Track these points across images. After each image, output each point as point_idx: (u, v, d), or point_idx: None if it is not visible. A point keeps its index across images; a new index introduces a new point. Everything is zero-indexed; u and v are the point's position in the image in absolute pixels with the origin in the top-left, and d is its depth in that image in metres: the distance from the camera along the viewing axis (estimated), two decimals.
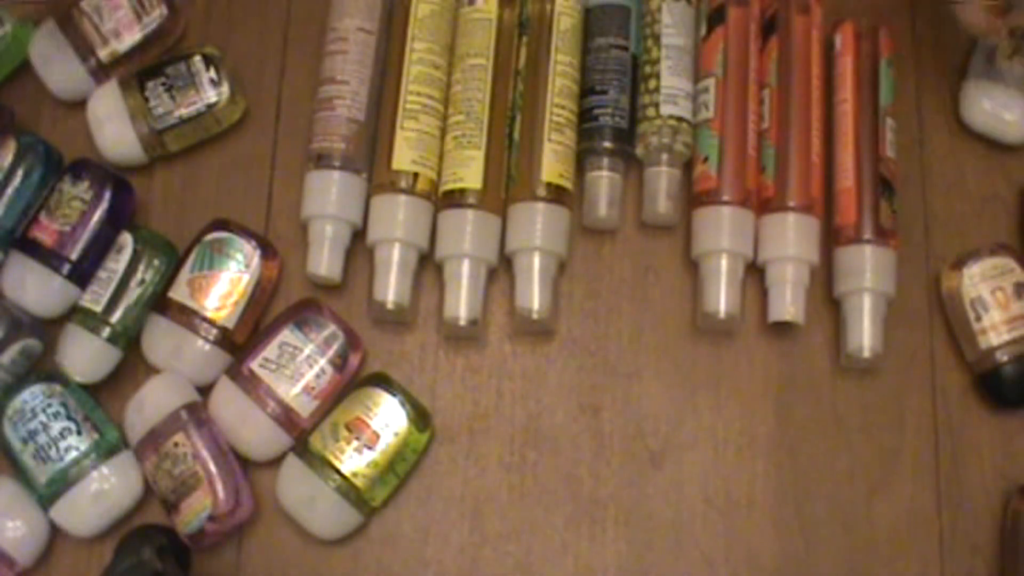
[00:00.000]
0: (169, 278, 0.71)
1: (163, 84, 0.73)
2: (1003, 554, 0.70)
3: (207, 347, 0.70)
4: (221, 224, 0.72)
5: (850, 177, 0.72)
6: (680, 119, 0.73)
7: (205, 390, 0.71)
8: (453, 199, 0.72)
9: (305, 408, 0.69)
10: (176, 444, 0.67)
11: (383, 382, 0.70)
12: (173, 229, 0.74)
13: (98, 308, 0.70)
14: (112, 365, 0.71)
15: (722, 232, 0.71)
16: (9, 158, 0.71)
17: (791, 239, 0.71)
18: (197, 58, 0.74)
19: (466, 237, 0.71)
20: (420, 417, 0.69)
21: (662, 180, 0.73)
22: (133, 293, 0.71)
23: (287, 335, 0.70)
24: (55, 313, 0.71)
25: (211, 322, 0.70)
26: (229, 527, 0.67)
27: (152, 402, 0.69)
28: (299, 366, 0.69)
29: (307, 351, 0.70)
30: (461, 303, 0.70)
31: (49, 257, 0.70)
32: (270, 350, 0.70)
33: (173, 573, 0.65)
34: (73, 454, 0.68)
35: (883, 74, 0.74)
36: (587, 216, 0.74)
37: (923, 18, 0.80)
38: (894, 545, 0.70)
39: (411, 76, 0.73)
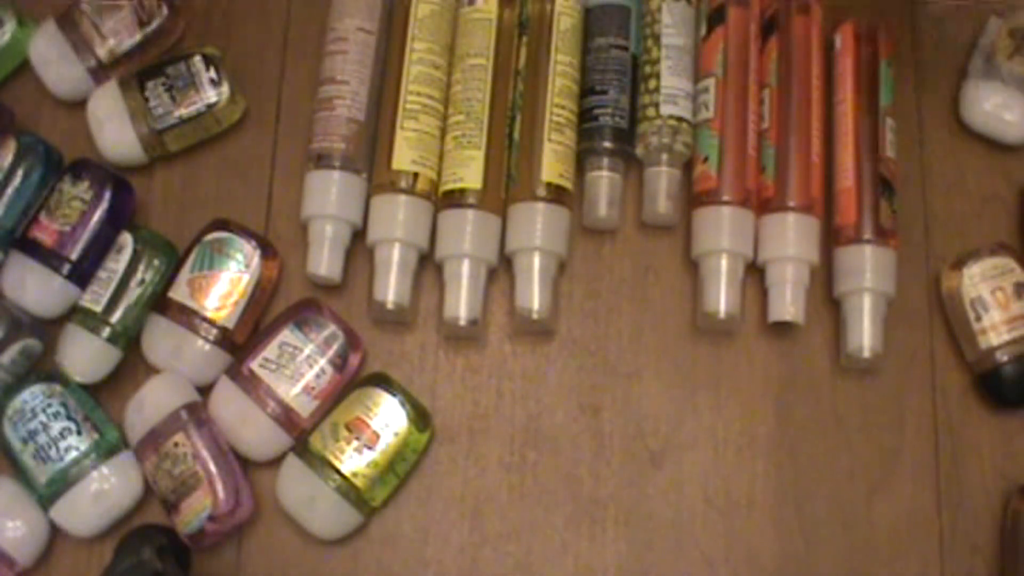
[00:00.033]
0: (169, 278, 0.71)
1: (163, 84, 0.73)
2: (1003, 554, 0.70)
3: (207, 347, 0.70)
4: (221, 224, 0.72)
5: (850, 177, 0.72)
6: (680, 119, 0.73)
7: (205, 390, 0.71)
8: (453, 199, 0.72)
9: (305, 408, 0.69)
10: (176, 444, 0.67)
11: (383, 382, 0.70)
12: (173, 229, 0.74)
13: (98, 308, 0.70)
14: (112, 365, 0.71)
15: (722, 232, 0.71)
16: (9, 158, 0.71)
17: (791, 239, 0.71)
18: (197, 58, 0.74)
19: (466, 237, 0.71)
20: (420, 417, 0.69)
21: (662, 180, 0.73)
22: (133, 293, 0.71)
23: (287, 335, 0.70)
24: (55, 313, 0.71)
25: (211, 322, 0.70)
26: (229, 527, 0.67)
27: (152, 402, 0.69)
28: (299, 366, 0.69)
29: (307, 351, 0.70)
30: (461, 303, 0.70)
31: (49, 257, 0.70)
32: (270, 350, 0.70)
33: (173, 573, 0.65)
34: (73, 454, 0.68)
35: (883, 74, 0.74)
36: (587, 216, 0.74)
37: (923, 18, 0.79)
38: (894, 545, 0.70)
39: (411, 76, 0.73)
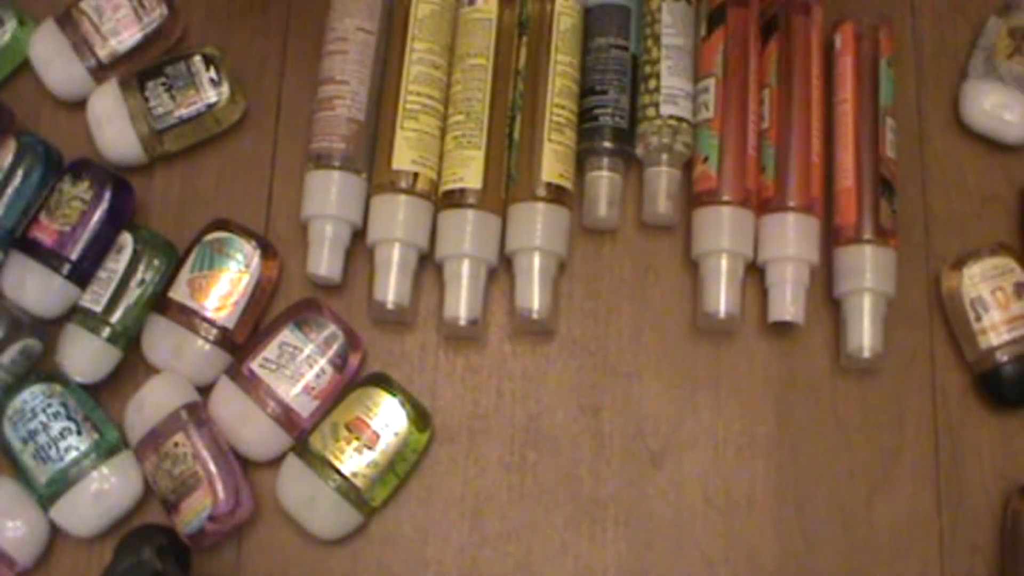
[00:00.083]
0: (169, 278, 0.71)
1: (163, 84, 0.73)
2: (1003, 554, 0.70)
3: (207, 347, 0.70)
4: (221, 224, 0.72)
5: (850, 177, 0.72)
6: (680, 119, 0.73)
7: (205, 390, 0.71)
8: (453, 199, 0.72)
9: (305, 408, 0.69)
10: (176, 444, 0.67)
11: (383, 382, 0.70)
12: (173, 229, 0.74)
13: (98, 308, 0.70)
14: (112, 365, 0.71)
15: (722, 232, 0.71)
16: (9, 158, 0.71)
17: (791, 239, 0.71)
18: (197, 58, 0.74)
19: (466, 237, 0.71)
20: (420, 417, 0.69)
21: (662, 180, 0.73)
22: (133, 293, 0.71)
23: (287, 335, 0.70)
24: (55, 313, 0.71)
25: (211, 322, 0.70)
26: (229, 527, 0.67)
27: (152, 402, 0.69)
28: (299, 366, 0.69)
29: (307, 351, 0.70)
30: (461, 303, 0.70)
31: (49, 257, 0.70)
32: (270, 350, 0.70)
33: (173, 573, 0.65)
34: (73, 454, 0.68)
35: (883, 74, 0.74)
36: (587, 216, 0.74)
37: (923, 18, 0.79)
38: (894, 545, 0.70)
39: (411, 76, 0.73)
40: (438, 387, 0.72)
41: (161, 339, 0.70)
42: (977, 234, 0.75)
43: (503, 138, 0.73)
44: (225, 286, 0.70)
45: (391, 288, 0.70)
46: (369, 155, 0.73)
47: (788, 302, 0.71)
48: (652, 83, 0.73)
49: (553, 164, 0.72)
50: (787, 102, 0.73)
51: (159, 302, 0.71)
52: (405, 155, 0.72)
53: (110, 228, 0.71)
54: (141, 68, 0.74)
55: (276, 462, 0.70)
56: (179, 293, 0.70)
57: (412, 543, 0.70)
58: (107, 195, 0.71)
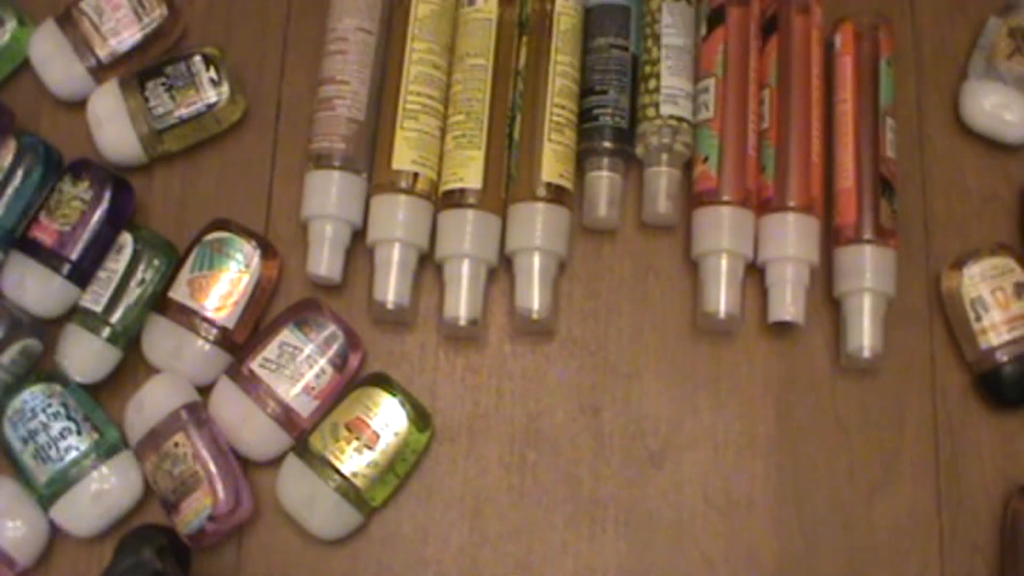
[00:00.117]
0: (169, 278, 0.71)
1: (163, 84, 0.73)
2: (1003, 554, 0.70)
3: (207, 347, 0.70)
4: (221, 224, 0.72)
5: (850, 177, 0.72)
6: (680, 119, 0.73)
7: (205, 390, 0.71)
8: (453, 199, 0.72)
9: (305, 408, 0.69)
10: (176, 444, 0.67)
11: (383, 382, 0.70)
12: (173, 229, 0.74)
13: (98, 308, 0.70)
14: (112, 365, 0.71)
15: (722, 232, 0.71)
16: (9, 158, 0.71)
17: (791, 239, 0.71)
18: (197, 58, 0.74)
19: (466, 237, 0.71)
20: (420, 417, 0.69)
21: (662, 180, 0.73)
22: (133, 293, 0.71)
23: (287, 335, 0.70)
24: (55, 313, 0.71)
25: (211, 322, 0.70)
26: (229, 527, 0.67)
27: (152, 402, 0.69)
28: (299, 366, 0.69)
29: (307, 351, 0.70)
30: (461, 303, 0.70)
31: (49, 257, 0.70)
32: (270, 350, 0.70)
33: (173, 573, 0.65)
34: (73, 454, 0.68)
35: (883, 74, 0.74)
36: (587, 216, 0.74)
37: (923, 18, 0.79)
38: (894, 545, 0.70)
39: (411, 76, 0.73)
40: (438, 387, 0.72)
41: (161, 339, 0.70)
42: (977, 234, 0.75)
43: (503, 138, 0.73)
44: (225, 286, 0.70)
45: (391, 288, 0.70)
46: (369, 155, 0.73)
47: (788, 302, 0.71)
48: (652, 83, 0.73)
49: (553, 164, 0.72)
50: (787, 102, 0.73)
51: (159, 302, 0.71)
52: (405, 155, 0.72)
53: (110, 228, 0.71)
54: (141, 68, 0.74)
55: (276, 462, 0.70)
56: (179, 293, 0.70)
57: (412, 543, 0.70)
58: (107, 195, 0.71)
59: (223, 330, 0.70)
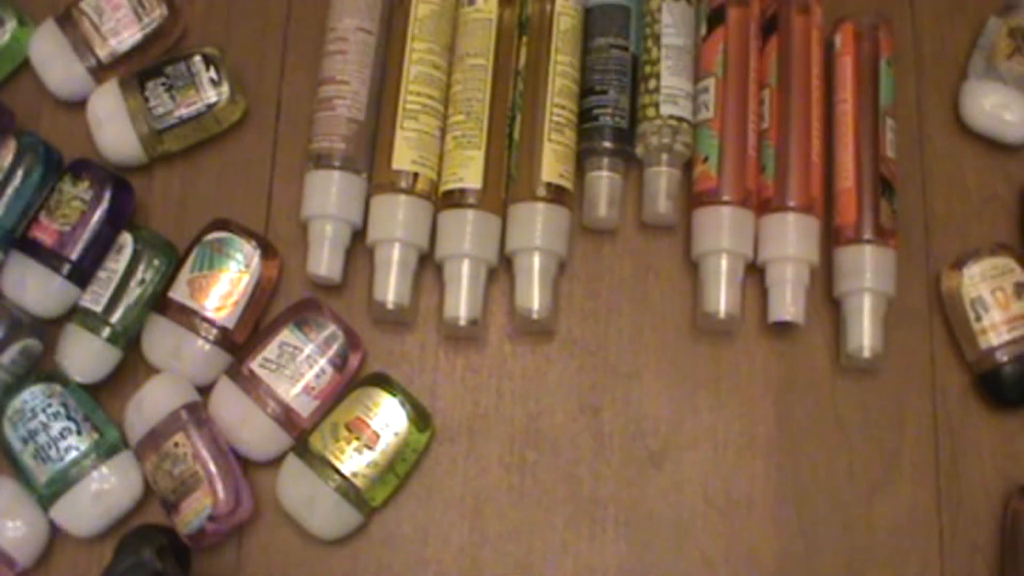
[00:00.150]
0: (169, 278, 0.71)
1: (163, 84, 0.73)
2: (1003, 554, 0.70)
3: (207, 347, 0.70)
4: (221, 224, 0.72)
5: (850, 177, 0.72)
6: (680, 119, 0.73)
7: (205, 390, 0.71)
8: (453, 199, 0.72)
9: (305, 408, 0.69)
10: (176, 444, 0.67)
11: (383, 382, 0.70)
12: (173, 229, 0.74)
13: (98, 308, 0.70)
14: (112, 365, 0.71)
15: (722, 232, 0.71)
16: (9, 158, 0.71)
17: (791, 239, 0.71)
18: (197, 58, 0.74)
19: (466, 237, 0.71)
20: (420, 417, 0.69)
21: (662, 180, 0.73)
22: (133, 293, 0.71)
23: (287, 335, 0.70)
24: (55, 313, 0.71)
25: (211, 322, 0.70)
26: (229, 527, 0.67)
27: (152, 402, 0.69)
28: (299, 366, 0.69)
29: (307, 351, 0.70)
30: (461, 303, 0.70)
31: (49, 257, 0.70)
32: (270, 350, 0.70)
33: (173, 573, 0.65)
34: (73, 454, 0.68)
35: (883, 74, 0.74)
36: (587, 216, 0.74)
37: (923, 18, 0.79)
38: (894, 545, 0.70)
39: (411, 76, 0.73)
40: (438, 387, 0.72)
41: (161, 339, 0.70)
42: (977, 234, 0.75)
43: (503, 138, 0.73)
44: (225, 286, 0.70)
45: (391, 288, 0.70)
46: (369, 155, 0.73)
47: (788, 302, 0.71)
48: (652, 83, 0.73)
49: (553, 164, 0.72)
50: (787, 102, 0.73)
51: (159, 302, 0.71)
52: (405, 155, 0.72)
53: (110, 228, 0.71)
54: (141, 68, 0.74)
55: (276, 462, 0.70)
56: (179, 293, 0.70)
57: (412, 543, 0.70)
58: (107, 195, 0.71)
59: (223, 330, 0.70)
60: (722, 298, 0.70)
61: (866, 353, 0.71)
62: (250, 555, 0.70)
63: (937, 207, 0.76)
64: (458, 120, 0.73)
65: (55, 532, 0.69)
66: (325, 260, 0.71)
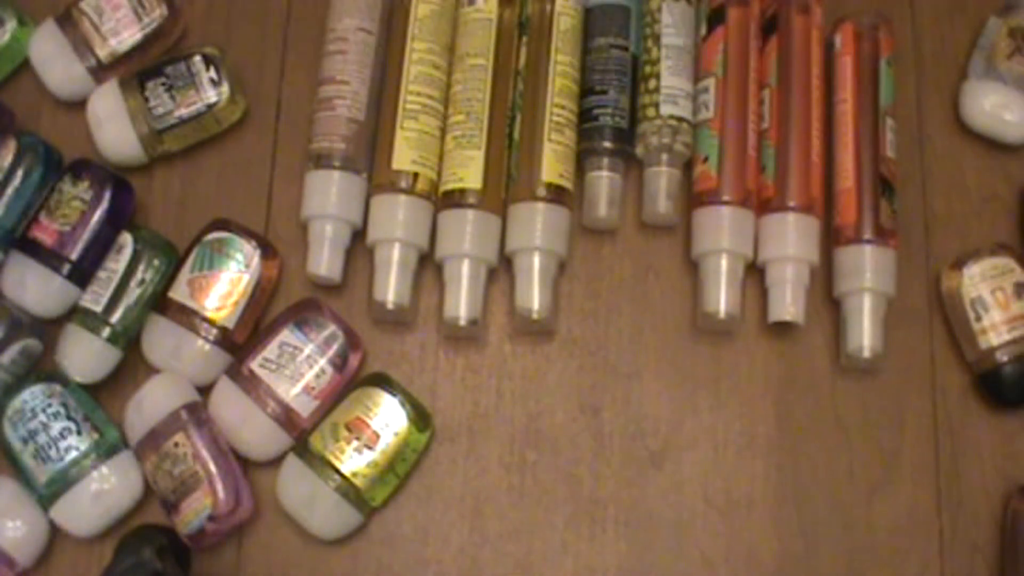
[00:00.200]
0: (169, 278, 0.71)
1: (163, 84, 0.73)
2: (1003, 554, 0.70)
3: (207, 347, 0.70)
4: (221, 224, 0.72)
5: (850, 177, 0.72)
6: (680, 119, 0.73)
7: (205, 390, 0.71)
8: (453, 199, 0.72)
9: (305, 408, 0.69)
10: (176, 444, 0.67)
11: (383, 382, 0.70)
12: (173, 229, 0.74)
13: (98, 308, 0.70)
14: (112, 365, 0.71)
15: (722, 232, 0.71)
16: (9, 158, 0.71)
17: (791, 239, 0.71)
18: (197, 58, 0.74)
19: (466, 237, 0.71)
20: (420, 417, 0.69)
21: (662, 180, 0.73)
22: (133, 293, 0.71)
23: (287, 335, 0.70)
24: (55, 313, 0.71)
25: (211, 322, 0.70)
26: (229, 527, 0.67)
27: (152, 402, 0.69)
28: (299, 366, 0.69)
29: (307, 351, 0.70)
30: (461, 303, 0.70)
31: (49, 257, 0.70)
32: (270, 350, 0.70)
33: (173, 573, 0.65)
34: (73, 454, 0.68)
35: (883, 74, 0.74)
36: (587, 216, 0.74)
37: (923, 18, 0.79)
38: (894, 545, 0.70)
39: (411, 76, 0.73)
40: (438, 387, 0.72)
41: (161, 339, 0.70)
42: (977, 234, 0.75)
43: (503, 138, 0.73)
44: (225, 286, 0.70)
45: (391, 288, 0.70)
46: (369, 155, 0.73)
47: (788, 302, 0.71)
48: (652, 83, 0.73)
49: (553, 164, 0.72)
50: (787, 102, 0.73)
51: (159, 302, 0.71)
52: (405, 155, 0.72)
53: (110, 228, 0.71)
54: (141, 68, 0.74)
55: (276, 462, 0.70)
56: (179, 293, 0.70)
57: (412, 543, 0.70)
58: (107, 195, 0.71)
59: (223, 330, 0.70)
60: (722, 298, 0.70)
61: (866, 353, 0.71)
62: (250, 555, 0.70)
63: (937, 207, 0.76)
64: (458, 120, 0.73)
65: (55, 532, 0.69)
66: (325, 260, 0.71)
